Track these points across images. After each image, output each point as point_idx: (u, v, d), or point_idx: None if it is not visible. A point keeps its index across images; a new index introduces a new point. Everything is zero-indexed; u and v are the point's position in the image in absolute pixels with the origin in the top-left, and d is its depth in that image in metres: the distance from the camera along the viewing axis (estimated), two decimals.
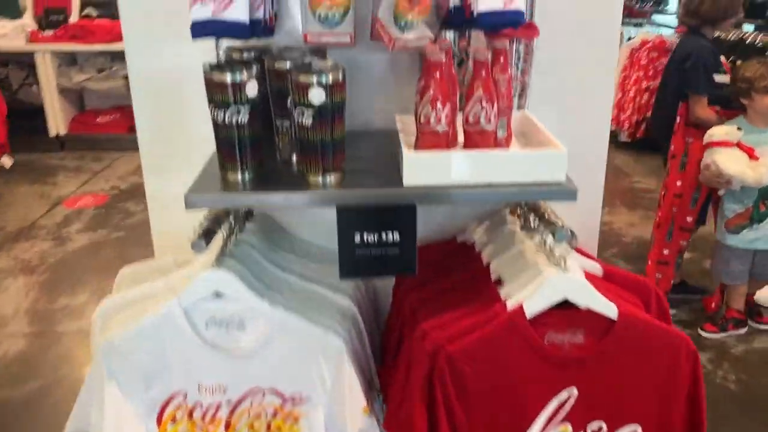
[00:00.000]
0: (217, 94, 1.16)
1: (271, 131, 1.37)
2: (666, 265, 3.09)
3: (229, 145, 1.20)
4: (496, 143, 1.24)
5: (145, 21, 1.53)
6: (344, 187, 1.19)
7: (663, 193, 3.09)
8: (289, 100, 1.26)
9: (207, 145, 1.38)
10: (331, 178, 1.20)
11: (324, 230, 1.59)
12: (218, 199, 1.19)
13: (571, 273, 1.24)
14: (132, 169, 5.17)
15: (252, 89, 1.17)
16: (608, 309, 1.23)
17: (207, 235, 1.22)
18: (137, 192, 4.71)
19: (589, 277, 1.31)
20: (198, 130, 1.55)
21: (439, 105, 1.16)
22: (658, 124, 3.34)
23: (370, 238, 1.19)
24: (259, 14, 1.28)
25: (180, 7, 1.39)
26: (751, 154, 2.59)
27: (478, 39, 1.32)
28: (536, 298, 1.22)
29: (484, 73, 1.16)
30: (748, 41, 3.86)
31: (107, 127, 5.68)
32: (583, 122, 1.58)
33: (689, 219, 3.01)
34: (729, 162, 2.59)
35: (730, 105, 2.83)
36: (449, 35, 1.39)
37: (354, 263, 1.21)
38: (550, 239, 1.25)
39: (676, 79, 2.97)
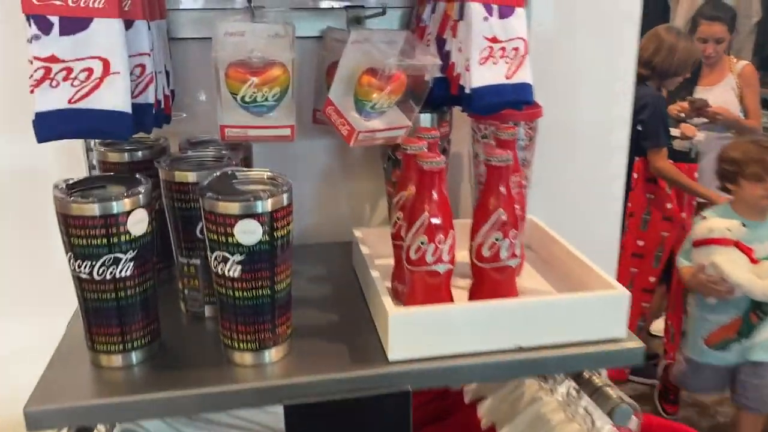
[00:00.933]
0: (79, 236, 0.69)
1: (169, 262, 0.92)
2: None
3: (101, 314, 0.73)
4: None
5: None
6: (293, 373, 0.75)
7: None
8: (199, 228, 0.82)
9: (67, 289, 0.91)
10: (273, 356, 0.76)
11: None
12: (85, 413, 0.70)
13: None
14: None
15: (139, 224, 0.71)
16: None
17: None
18: None
19: None
20: (54, 264, 1.07)
21: (440, 235, 0.75)
22: None
23: None
24: (148, 96, 0.83)
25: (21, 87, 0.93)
26: (750, 256, 2.01)
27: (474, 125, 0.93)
28: None
29: (503, 187, 0.77)
30: None
31: None
32: (591, 225, 1.22)
33: (652, 279, 2.76)
34: (732, 266, 1.99)
35: (684, 158, 2.65)
36: (424, 118, 1.00)
37: None
38: (600, 419, 0.86)
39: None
